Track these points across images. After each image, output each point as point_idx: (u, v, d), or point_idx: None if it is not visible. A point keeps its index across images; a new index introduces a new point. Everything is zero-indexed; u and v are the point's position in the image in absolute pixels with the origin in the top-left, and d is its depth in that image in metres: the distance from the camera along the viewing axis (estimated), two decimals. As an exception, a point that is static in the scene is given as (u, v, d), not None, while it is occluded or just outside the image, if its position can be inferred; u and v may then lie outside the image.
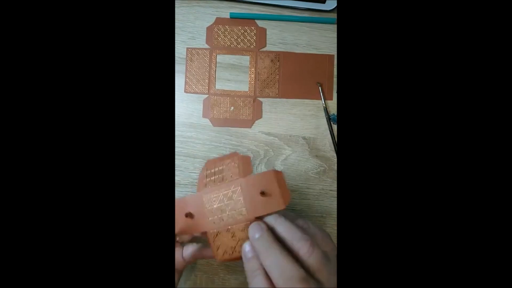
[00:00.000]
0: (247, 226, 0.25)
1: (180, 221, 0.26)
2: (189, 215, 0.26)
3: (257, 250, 0.23)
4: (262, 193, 0.24)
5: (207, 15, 0.39)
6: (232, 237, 0.25)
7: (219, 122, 0.38)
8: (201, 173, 0.29)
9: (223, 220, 0.25)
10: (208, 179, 0.27)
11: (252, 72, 0.39)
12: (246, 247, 0.24)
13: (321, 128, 0.38)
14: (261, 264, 0.22)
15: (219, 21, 0.39)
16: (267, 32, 0.39)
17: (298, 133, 0.38)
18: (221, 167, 0.27)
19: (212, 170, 0.28)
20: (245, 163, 0.27)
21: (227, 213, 0.25)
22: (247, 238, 0.24)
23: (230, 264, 0.37)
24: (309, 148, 0.38)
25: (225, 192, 0.26)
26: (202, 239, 0.32)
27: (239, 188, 0.25)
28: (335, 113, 0.38)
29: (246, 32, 0.39)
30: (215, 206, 0.26)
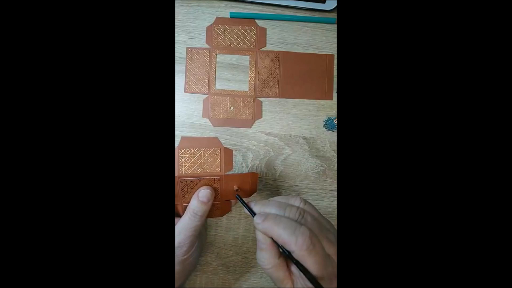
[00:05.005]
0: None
1: None
2: None
3: (265, 230, 0.25)
4: (236, 190, 0.30)
5: (207, 15, 0.39)
6: None
7: (219, 122, 0.38)
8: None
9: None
10: (184, 161, 0.28)
11: (252, 72, 0.38)
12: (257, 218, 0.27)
13: (321, 128, 0.38)
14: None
15: (219, 20, 0.39)
16: (267, 32, 0.39)
17: (298, 133, 0.38)
18: (202, 155, 0.29)
19: (189, 153, 0.28)
20: (227, 158, 0.29)
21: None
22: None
23: (230, 265, 0.37)
24: (309, 148, 0.38)
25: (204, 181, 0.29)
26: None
27: (218, 182, 0.29)
28: (333, 118, 0.38)
29: (246, 32, 0.39)
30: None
